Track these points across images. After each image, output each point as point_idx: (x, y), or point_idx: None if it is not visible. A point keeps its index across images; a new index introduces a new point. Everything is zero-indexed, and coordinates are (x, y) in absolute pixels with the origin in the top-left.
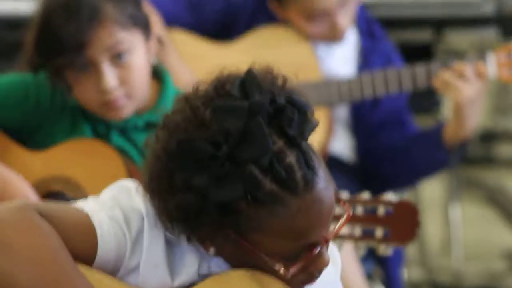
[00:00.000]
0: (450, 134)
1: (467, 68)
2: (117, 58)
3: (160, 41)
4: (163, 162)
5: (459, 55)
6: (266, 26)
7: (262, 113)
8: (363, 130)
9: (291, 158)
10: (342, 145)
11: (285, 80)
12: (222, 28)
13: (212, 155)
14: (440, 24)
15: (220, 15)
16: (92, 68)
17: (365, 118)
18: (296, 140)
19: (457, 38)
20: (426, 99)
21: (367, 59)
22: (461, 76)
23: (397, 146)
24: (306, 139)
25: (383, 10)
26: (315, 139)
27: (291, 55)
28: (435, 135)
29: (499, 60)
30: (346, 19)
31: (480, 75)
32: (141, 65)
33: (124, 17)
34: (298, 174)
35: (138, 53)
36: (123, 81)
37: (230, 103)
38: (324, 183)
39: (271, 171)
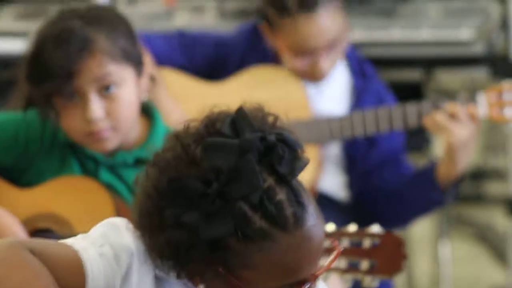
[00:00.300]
0: (442, 173)
1: (459, 110)
2: (105, 89)
3: (152, 79)
4: (154, 199)
5: (450, 95)
6: (257, 66)
7: (252, 151)
8: (358, 169)
9: (281, 195)
10: (333, 183)
11: (275, 118)
12: (213, 69)
13: (203, 193)
14: (431, 64)
15: (210, 57)
16: (79, 98)
17: (360, 157)
18: (286, 177)
19: (447, 78)
20: (417, 138)
21: (360, 98)
22: (453, 117)
23: (392, 187)
24: (296, 176)
25: (374, 50)
26: (304, 177)
27: (282, 94)
28: (428, 175)
29: (490, 100)
30: (328, 62)
31: (472, 117)
32: (130, 99)
33: (116, 50)
34: (288, 211)
35: (128, 87)
36: (109, 113)
37: (221, 141)
38: (314, 220)
39: (261, 208)
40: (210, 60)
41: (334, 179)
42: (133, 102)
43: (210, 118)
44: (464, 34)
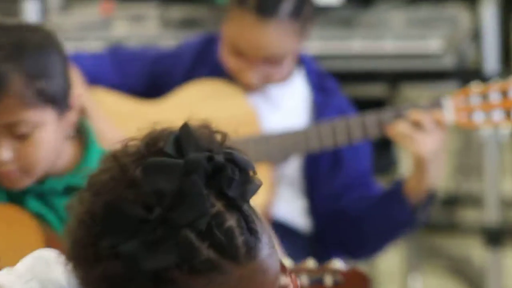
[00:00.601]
0: (412, 190)
1: (423, 117)
2: (17, 133)
3: (81, 111)
4: (88, 226)
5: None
6: (204, 80)
7: (198, 172)
8: (321, 193)
9: (231, 222)
10: (290, 209)
11: (224, 136)
12: (153, 86)
13: (143, 219)
14: (395, 78)
15: (149, 74)
16: None
17: (323, 179)
18: (237, 202)
19: (414, 93)
20: (382, 158)
21: (320, 114)
22: (418, 125)
23: (359, 211)
24: (248, 201)
25: (332, 62)
26: (255, 201)
27: (230, 109)
28: (396, 193)
29: (457, 105)
30: (260, 77)
31: (438, 124)
32: (48, 142)
33: (34, 93)
34: (239, 240)
35: (46, 130)
36: (20, 157)
37: (164, 161)
38: (268, 250)
39: (209, 236)
40: (148, 77)
41: (291, 204)
42: (51, 144)
43: (151, 136)
44: (432, 45)
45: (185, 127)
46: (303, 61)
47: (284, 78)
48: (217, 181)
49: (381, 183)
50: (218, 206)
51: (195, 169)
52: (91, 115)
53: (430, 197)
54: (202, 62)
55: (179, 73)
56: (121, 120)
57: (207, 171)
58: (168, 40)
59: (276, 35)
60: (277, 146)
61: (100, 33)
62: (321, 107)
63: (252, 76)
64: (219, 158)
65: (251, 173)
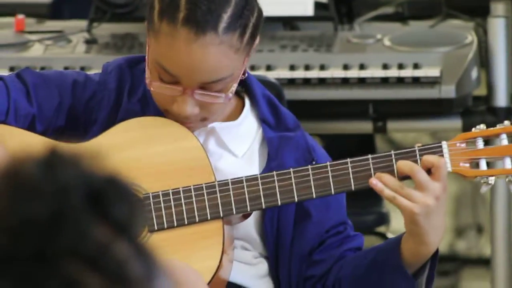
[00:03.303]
0: (409, 253)
1: (417, 174)
2: None
3: None
4: None
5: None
6: (142, 117)
7: (76, 193)
8: (288, 252)
9: (119, 247)
10: (250, 272)
11: (102, 161)
12: (81, 122)
13: (11, 254)
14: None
15: (67, 111)
16: None
17: (288, 238)
18: (123, 226)
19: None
20: (372, 213)
21: (277, 155)
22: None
23: (337, 276)
24: (135, 225)
25: (307, 90)
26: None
27: (179, 153)
28: (392, 258)
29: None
30: (192, 107)
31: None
32: None
33: None
34: (129, 265)
35: None
36: None
37: (32, 183)
38: (164, 277)
39: (96, 266)
40: (66, 107)
41: (251, 267)
42: None
43: (17, 160)
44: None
45: (55, 148)
46: (252, 90)
47: (227, 111)
48: (99, 205)
49: (369, 242)
50: (102, 230)
51: (71, 190)
52: None
53: (434, 264)
54: (131, 90)
55: (107, 101)
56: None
57: (86, 192)
58: (93, 61)
59: (209, 51)
60: (227, 198)
61: (14, 54)
62: (279, 147)
63: (182, 106)
64: (99, 179)
65: (135, 197)
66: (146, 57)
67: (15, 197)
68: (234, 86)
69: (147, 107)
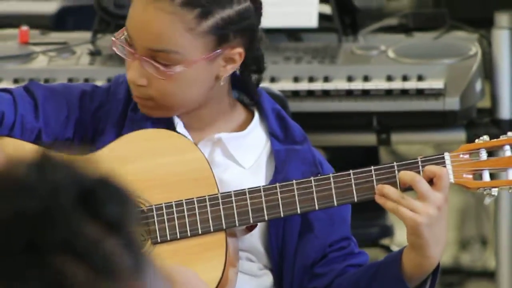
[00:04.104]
0: (410, 266)
1: (419, 185)
2: None
3: None
4: None
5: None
6: (148, 129)
7: (67, 190)
8: (291, 265)
9: (109, 243)
10: (254, 285)
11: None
12: (89, 133)
13: (4, 248)
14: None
15: (75, 123)
16: None
17: (293, 248)
18: (115, 223)
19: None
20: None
21: (283, 167)
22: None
23: (348, 285)
24: (127, 223)
25: (311, 103)
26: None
27: (183, 165)
28: (392, 270)
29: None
30: (138, 74)
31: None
32: None
33: None
34: (119, 261)
35: None
36: None
37: (24, 180)
38: (154, 275)
39: (85, 260)
40: (74, 119)
41: (255, 280)
42: None
43: (9, 162)
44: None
45: (45, 152)
46: (261, 104)
47: (235, 122)
48: (90, 202)
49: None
50: (93, 227)
51: (62, 187)
52: None
53: (435, 277)
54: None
55: (114, 113)
56: None
57: (78, 189)
58: (98, 73)
59: (163, 20)
60: (231, 210)
61: (18, 65)
62: (285, 159)
63: (129, 73)
64: (89, 178)
65: (127, 196)
66: None
67: (6, 195)
68: (182, 70)
69: (152, 119)
